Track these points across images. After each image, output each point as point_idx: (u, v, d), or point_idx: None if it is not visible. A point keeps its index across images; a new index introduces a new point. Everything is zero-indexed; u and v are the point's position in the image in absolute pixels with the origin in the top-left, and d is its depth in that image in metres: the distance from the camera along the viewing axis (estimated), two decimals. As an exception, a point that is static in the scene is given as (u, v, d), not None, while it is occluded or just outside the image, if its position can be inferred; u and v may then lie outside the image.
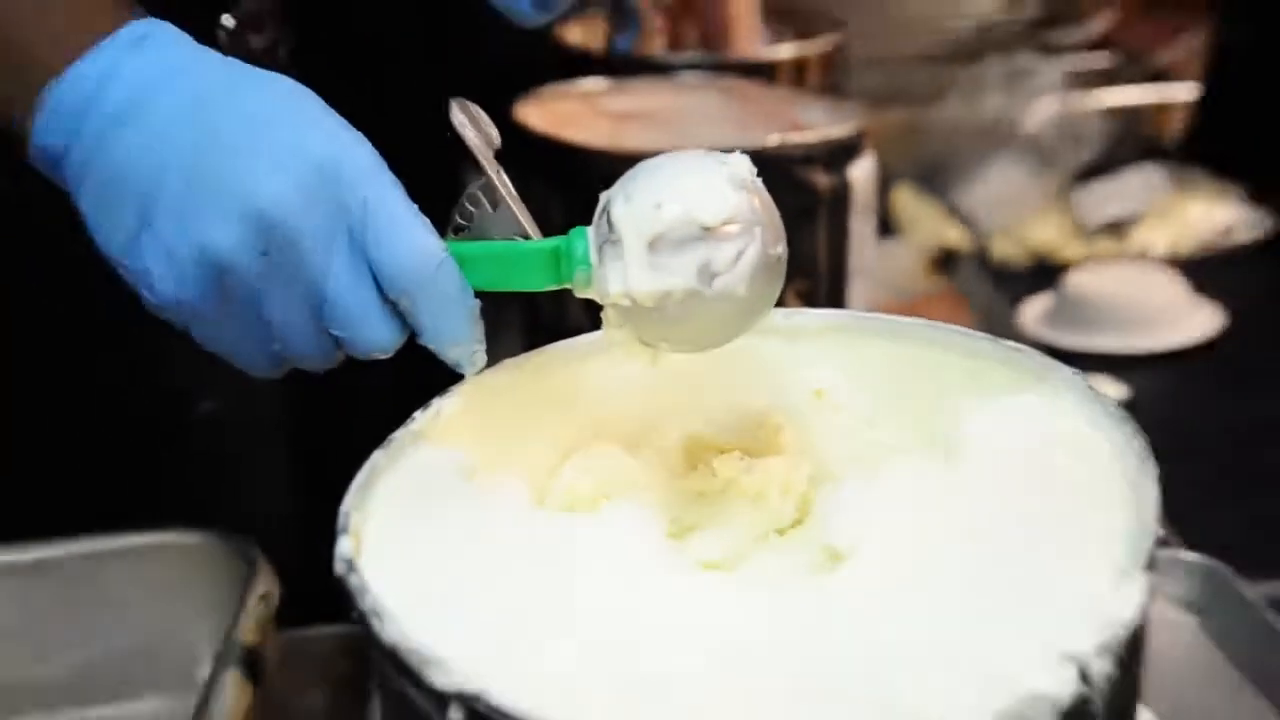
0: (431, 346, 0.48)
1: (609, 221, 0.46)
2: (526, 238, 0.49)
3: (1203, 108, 1.63)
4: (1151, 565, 0.39)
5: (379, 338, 0.47)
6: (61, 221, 0.50)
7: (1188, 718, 0.68)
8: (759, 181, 0.47)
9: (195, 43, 0.51)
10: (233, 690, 0.56)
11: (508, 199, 0.49)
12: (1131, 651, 0.37)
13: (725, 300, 0.45)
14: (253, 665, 0.58)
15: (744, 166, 0.46)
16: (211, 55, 0.50)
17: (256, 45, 0.77)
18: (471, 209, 0.49)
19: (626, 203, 0.46)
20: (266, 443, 0.83)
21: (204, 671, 0.65)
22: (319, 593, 0.64)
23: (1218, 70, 1.63)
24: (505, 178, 0.50)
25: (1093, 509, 0.42)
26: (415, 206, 0.47)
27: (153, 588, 0.67)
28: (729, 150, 0.48)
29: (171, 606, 0.67)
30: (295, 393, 0.83)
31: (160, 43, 0.49)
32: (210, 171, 0.46)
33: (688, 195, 0.45)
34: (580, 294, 0.48)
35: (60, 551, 0.66)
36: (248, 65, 0.50)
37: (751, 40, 1.17)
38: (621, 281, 0.45)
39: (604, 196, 0.47)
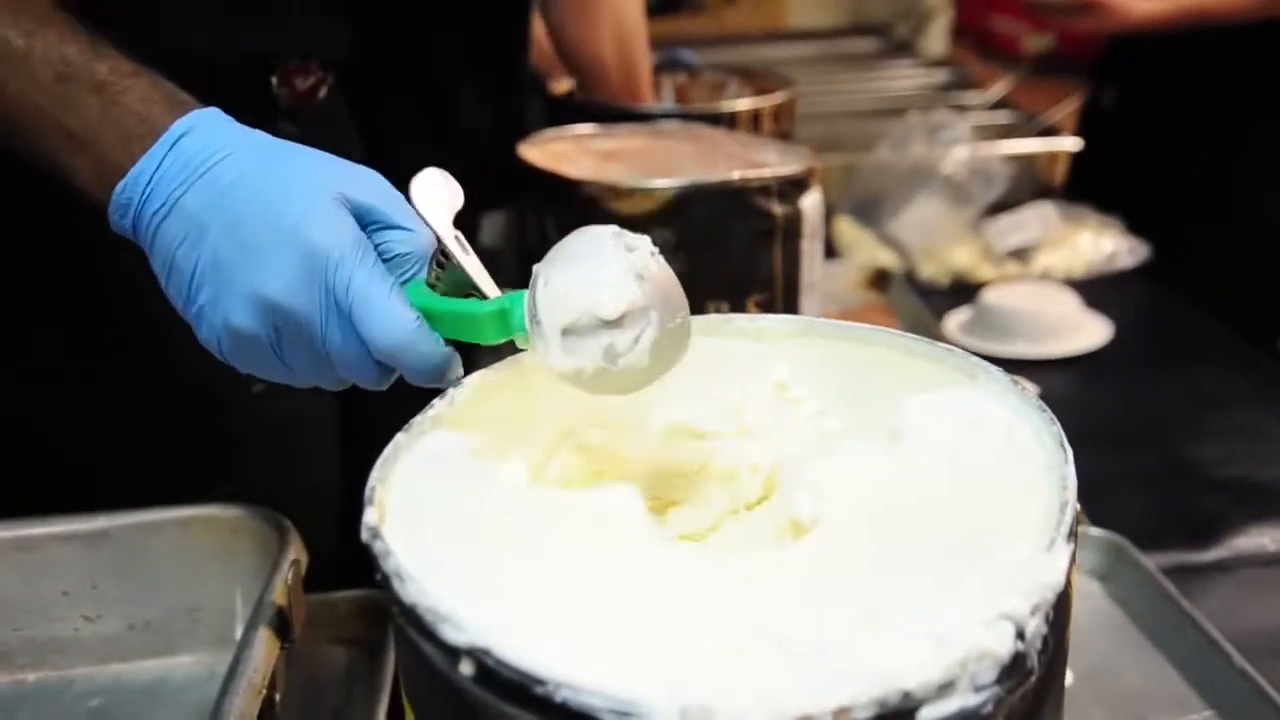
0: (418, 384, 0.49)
1: (535, 301, 0.45)
2: (482, 293, 0.49)
3: (1084, 156, 1.66)
4: (1073, 536, 0.38)
5: (373, 382, 0.49)
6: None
7: (1098, 670, 0.67)
8: (660, 260, 0.45)
9: (235, 126, 0.52)
10: (264, 646, 0.55)
11: (461, 261, 0.49)
12: (1060, 612, 0.35)
13: (631, 371, 0.45)
14: (282, 624, 0.56)
15: (645, 252, 0.45)
16: (246, 138, 0.51)
17: (301, 86, 0.76)
18: (443, 259, 0.50)
19: (545, 287, 0.45)
20: (303, 429, 0.81)
21: (238, 631, 0.63)
22: (340, 559, 0.63)
23: (1090, 127, 1.68)
24: (462, 239, 0.50)
25: (1018, 487, 0.41)
26: (391, 280, 0.48)
27: (196, 556, 0.65)
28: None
29: (212, 573, 0.65)
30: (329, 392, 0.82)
31: (199, 136, 0.50)
32: (228, 266, 0.48)
33: (590, 290, 0.44)
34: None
35: (117, 522, 0.64)
36: (276, 144, 0.51)
37: (636, 87, 1.11)
38: (544, 357, 0.45)
39: (535, 270, 0.46)
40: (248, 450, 0.77)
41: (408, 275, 0.49)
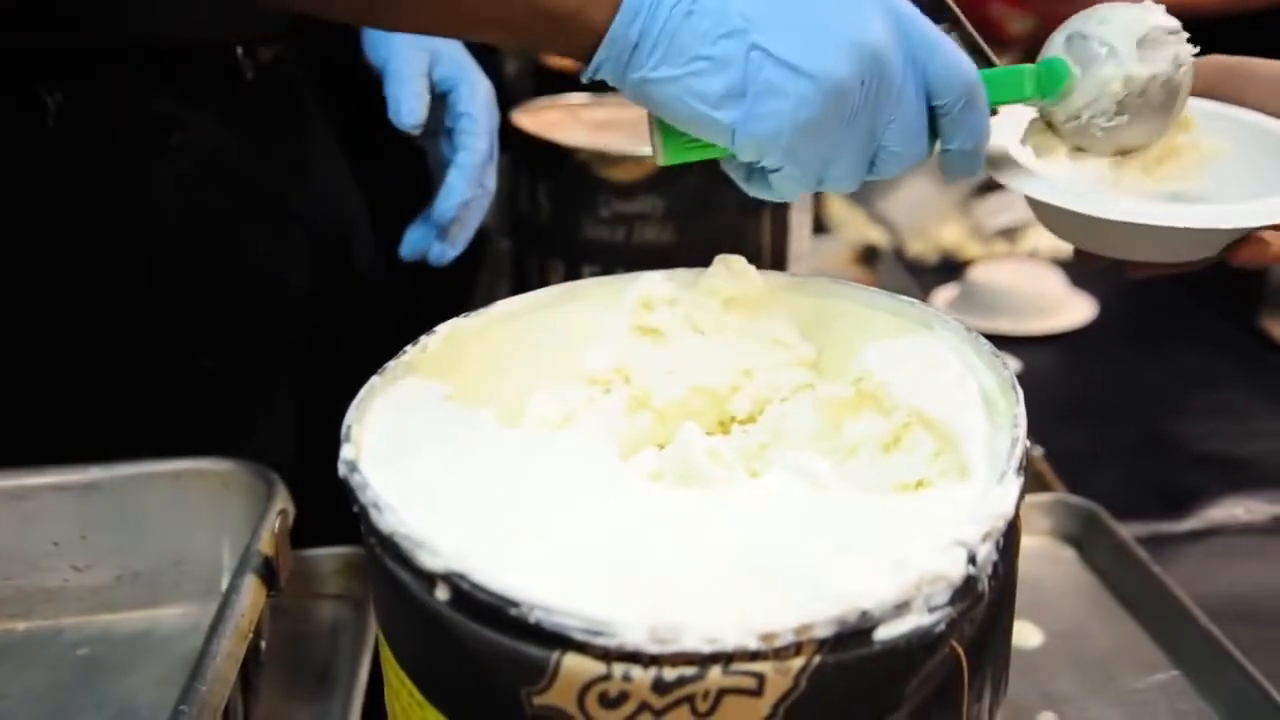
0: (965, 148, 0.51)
1: (1084, 40, 0.51)
2: (989, 62, 0.52)
3: None
4: (1022, 469, 0.39)
5: (921, 152, 0.50)
6: None
7: (1070, 631, 0.69)
8: None
9: None
10: (251, 592, 0.56)
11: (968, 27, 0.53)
12: (1009, 541, 0.37)
13: (1180, 91, 0.52)
14: (269, 572, 0.58)
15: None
16: None
17: (264, 58, 0.77)
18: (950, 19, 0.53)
19: (1102, 24, 0.52)
20: (276, 394, 0.83)
21: (225, 584, 0.64)
22: (321, 522, 0.64)
23: None
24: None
25: (974, 425, 0.43)
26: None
27: (185, 508, 0.66)
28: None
29: (200, 526, 0.66)
30: (302, 351, 0.83)
31: None
32: (814, 17, 0.47)
33: (1143, 12, 0.52)
34: (1046, 107, 0.53)
35: (109, 474, 0.65)
36: None
37: None
38: (1119, 72, 0.51)
39: (1064, 31, 0.53)
40: (221, 418, 0.77)
41: None
